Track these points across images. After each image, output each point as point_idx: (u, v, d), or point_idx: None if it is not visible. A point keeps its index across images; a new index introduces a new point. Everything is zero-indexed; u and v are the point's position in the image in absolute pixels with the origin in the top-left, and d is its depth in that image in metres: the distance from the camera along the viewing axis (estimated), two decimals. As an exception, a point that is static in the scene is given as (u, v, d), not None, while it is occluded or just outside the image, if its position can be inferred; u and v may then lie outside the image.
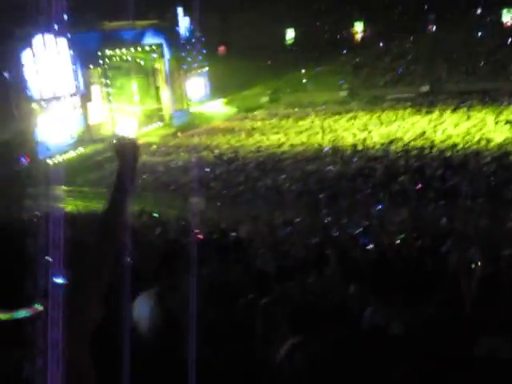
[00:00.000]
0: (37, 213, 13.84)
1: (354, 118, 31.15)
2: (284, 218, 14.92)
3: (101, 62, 31.79)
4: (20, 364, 2.04)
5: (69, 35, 28.59)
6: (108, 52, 32.11)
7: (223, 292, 5.46)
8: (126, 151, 2.44)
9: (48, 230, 2.22)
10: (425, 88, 36.29)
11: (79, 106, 29.80)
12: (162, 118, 35.08)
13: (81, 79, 30.03)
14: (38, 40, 26.72)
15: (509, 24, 41.47)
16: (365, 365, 3.19)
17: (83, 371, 2.17)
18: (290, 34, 47.66)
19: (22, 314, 2.11)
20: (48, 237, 2.20)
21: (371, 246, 8.04)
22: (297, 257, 7.41)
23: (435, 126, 26.62)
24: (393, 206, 15.90)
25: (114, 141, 2.49)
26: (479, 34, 40.53)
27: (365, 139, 25.44)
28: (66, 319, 2.08)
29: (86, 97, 30.45)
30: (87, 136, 29.89)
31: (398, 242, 9.05)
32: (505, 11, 41.54)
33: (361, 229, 11.97)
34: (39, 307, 2.14)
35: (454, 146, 22.58)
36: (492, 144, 22.15)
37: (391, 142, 24.54)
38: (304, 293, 4.33)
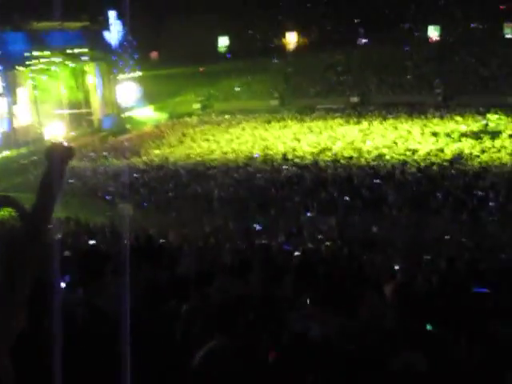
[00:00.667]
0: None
1: (285, 126, 31.46)
2: (212, 225, 14.84)
3: (28, 63, 30.89)
4: None
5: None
6: (35, 53, 31.22)
7: (146, 298, 5.35)
8: (56, 153, 2.36)
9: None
10: (354, 99, 37.12)
11: (4, 107, 28.83)
12: (90, 123, 34.40)
13: (6, 81, 29.04)
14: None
15: (434, 39, 42.93)
16: (279, 368, 3.16)
17: (5, 380, 2.05)
18: (224, 42, 47.74)
19: None
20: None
21: (297, 253, 8.06)
22: (221, 263, 7.36)
23: (364, 136, 27.19)
24: (321, 214, 16.07)
25: (48, 142, 2.41)
26: (407, 48, 41.76)
27: (295, 148, 25.66)
28: None
29: (11, 99, 29.47)
30: (12, 139, 28.95)
31: (324, 249, 9.13)
32: (431, 28, 43.00)
33: (287, 236, 12.03)
34: None
35: (382, 156, 23.13)
36: (417, 155, 22.80)
37: (321, 151, 24.87)
38: (224, 298, 4.28)
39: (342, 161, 22.85)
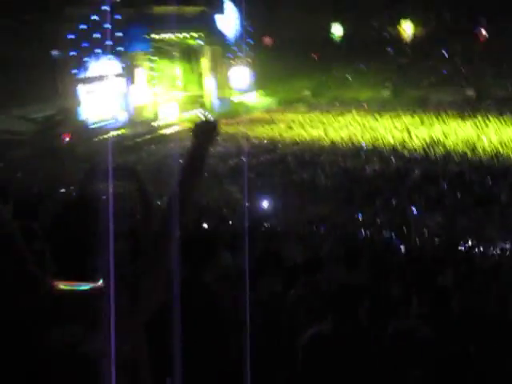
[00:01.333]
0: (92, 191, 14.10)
1: (396, 117, 30.81)
2: (318, 213, 14.88)
3: (147, 45, 32.01)
4: (76, 339, 1.98)
5: (118, 16, 28.82)
6: (154, 36, 32.31)
7: (251, 282, 5.46)
8: (205, 131, 2.36)
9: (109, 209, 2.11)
10: (470, 92, 35.65)
11: (123, 87, 30.06)
12: (203, 105, 35.15)
13: (125, 61, 30.22)
14: (85, 20, 26.92)
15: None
16: (382, 362, 3.18)
17: (137, 357, 2.11)
18: (337, 29, 47.25)
19: (84, 287, 2.06)
20: (111, 215, 2.10)
21: (403, 248, 7.95)
22: (328, 252, 7.40)
23: (478, 132, 26.20)
24: (428, 209, 15.70)
25: (199, 118, 2.39)
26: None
27: (405, 140, 25.17)
28: (129, 304, 2.04)
29: (129, 79, 30.67)
30: (128, 118, 30.18)
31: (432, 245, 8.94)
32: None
33: (394, 230, 11.87)
34: (101, 283, 2.09)
35: (497, 153, 22.21)
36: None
37: (431, 144, 24.24)
38: (331, 287, 4.32)
39: (453, 156, 22.18)
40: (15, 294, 2.02)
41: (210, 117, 2.44)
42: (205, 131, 2.35)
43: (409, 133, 26.72)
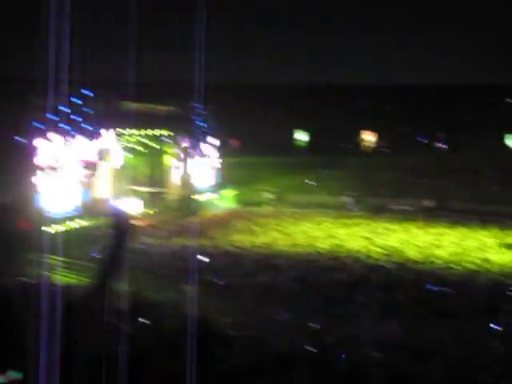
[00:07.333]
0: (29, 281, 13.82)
1: (355, 225, 31.29)
2: (271, 316, 14.63)
3: (113, 140, 32.25)
4: None
5: (88, 111, 29.13)
6: (122, 131, 32.65)
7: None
8: (119, 225, 2.36)
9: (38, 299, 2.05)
10: (428, 203, 36.66)
11: (85, 179, 29.89)
12: (165, 202, 35.20)
13: (90, 153, 30.21)
14: (52, 110, 27.02)
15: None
16: None
17: None
18: (302, 136, 48.70)
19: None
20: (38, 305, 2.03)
21: (345, 359, 7.73)
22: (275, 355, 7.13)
23: (435, 242, 26.77)
24: (383, 317, 15.58)
25: (113, 215, 2.38)
26: (486, 155, 41.36)
27: (365, 247, 25.47)
28: None
29: (93, 171, 30.57)
30: (90, 210, 29.84)
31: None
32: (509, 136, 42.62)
33: (343, 338, 11.68)
34: (16, 375, 1.91)
35: (452, 263, 22.58)
36: (493, 266, 22.13)
37: (391, 252, 24.54)
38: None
39: (411, 264, 22.44)
40: None
41: (124, 213, 2.43)
42: (119, 225, 2.36)
43: (368, 240, 27.08)
